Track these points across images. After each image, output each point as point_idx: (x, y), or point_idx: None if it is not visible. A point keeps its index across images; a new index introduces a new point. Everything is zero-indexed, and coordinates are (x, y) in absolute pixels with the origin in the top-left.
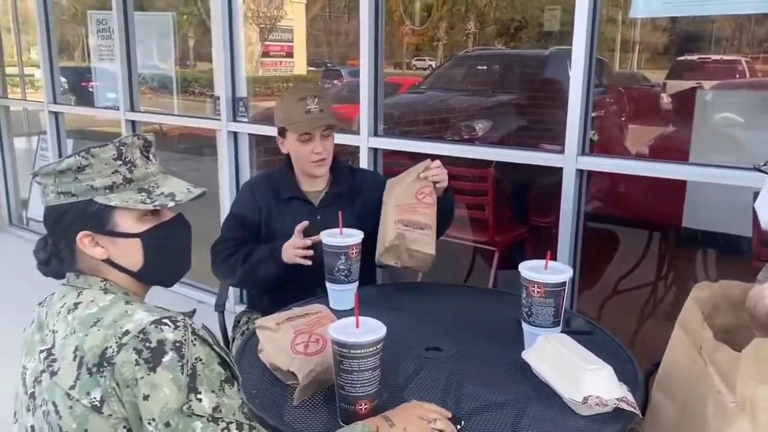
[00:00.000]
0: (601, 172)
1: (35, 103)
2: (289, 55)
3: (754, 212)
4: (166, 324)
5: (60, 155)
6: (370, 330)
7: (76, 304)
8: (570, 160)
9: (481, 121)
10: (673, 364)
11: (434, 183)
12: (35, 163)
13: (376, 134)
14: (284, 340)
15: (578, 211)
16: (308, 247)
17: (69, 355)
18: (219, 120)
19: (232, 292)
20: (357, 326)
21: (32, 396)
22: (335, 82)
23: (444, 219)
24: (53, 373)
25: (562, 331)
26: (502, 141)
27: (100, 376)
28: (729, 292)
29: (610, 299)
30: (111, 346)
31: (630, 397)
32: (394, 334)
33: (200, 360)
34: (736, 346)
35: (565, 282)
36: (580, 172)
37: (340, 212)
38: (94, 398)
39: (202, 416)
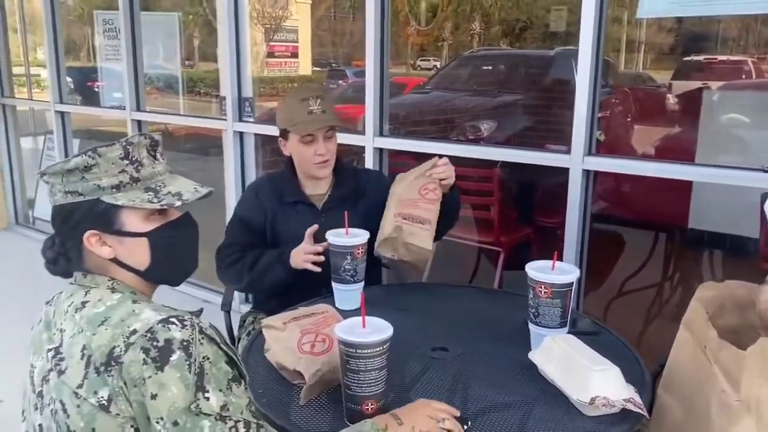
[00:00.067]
0: (606, 173)
1: (41, 102)
2: (294, 55)
3: (762, 213)
4: (173, 323)
5: (66, 155)
6: (377, 330)
7: (83, 303)
8: (576, 160)
9: (487, 122)
10: (678, 364)
11: (440, 180)
12: (41, 163)
13: (381, 134)
14: (291, 340)
15: (584, 211)
16: (318, 254)
17: (77, 354)
18: (225, 120)
19: (238, 292)
20: (363, 326)
21: (40, 394)
22: (340, 82)
23: (449, 217)
24: (61, 372)
25: (568, 332)
26: (508, 141)
27: (108, 375)
28: (735, 293)
29: (616, 300)
30: (119, 345)
31: (637, 398)
32: (400, 334)
33: (208, 359)
34: (743, 346)
35: (572, 282)
36: (587, 173)
37: (346, 212)
38: (102, 397)
39: (209, 415)
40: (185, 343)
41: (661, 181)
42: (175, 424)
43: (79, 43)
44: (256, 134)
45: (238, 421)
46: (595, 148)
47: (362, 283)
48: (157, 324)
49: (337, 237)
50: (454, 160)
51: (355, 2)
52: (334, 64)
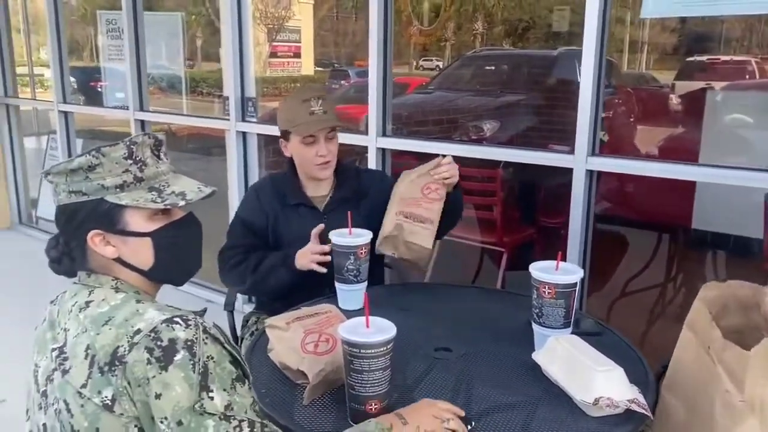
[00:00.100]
0: (609, 173)
1: (45, 102)
2: (297, 55)
3: (766, 213)
4: (177, 323)
5: (69, 155)
6: (381, 330)
7: (87, 303)
8: (580, 160)
9: (489, 122)
10: (681, 365)
11: (444, 179)
12: (45, 163)
13: (384, 134)
14: (294, 340)
15: (588, 211)
16: (325, 254)
17: (80, 353)
18: (228, 120)
19: (241, 294)
20: (367, 326)
21: (44, 394)
22: (342, 82)
23: (451, 216)
24: (65, 372)
25: (571, 333)
26: (511, 141)
27: (112, 375)
28: (739, 293)
29: (619, 301)
30: (122, 345)
31: (641, 399)
32: (403, 335)
33: (212, 358)
34: (747, 347)
35: (576, 283)
36: (590, 173)
37: (349, 212)
38: (106, 397)
39: (214, 414)
40: (189, 343)
41: (664, 181)
42: (180, 423)
43: (82, 43)
44: (259, 134)
45: (243, 420)
46: (598, 148)
47: (365, 283)
48: (161, 324)
49: (341, 237)
50: (457, 161)
51: (358, 2)
52: (336, 64)
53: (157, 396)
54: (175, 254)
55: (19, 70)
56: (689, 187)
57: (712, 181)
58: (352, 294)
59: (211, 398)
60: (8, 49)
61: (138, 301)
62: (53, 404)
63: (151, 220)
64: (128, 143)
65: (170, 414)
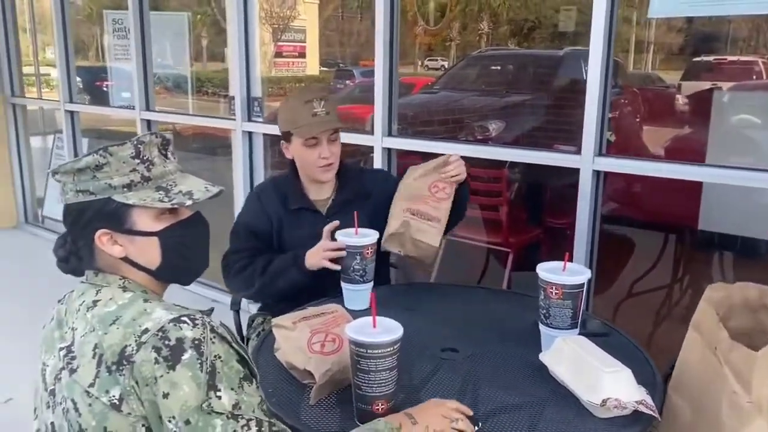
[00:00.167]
0: (615, 173)
1: (51, 102)
2: (302, 55)
3: None
4: (185, 322)
5: (75, 154)
6: (388, 330)
7: (95, 302)
8: (587, 160)
9: (495, 122)
10: (687, 366)
11: (451, 177)
12: (51, 162)
13: (390, 134)
14: (300, 339)
15: (595, 212)
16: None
17: (88, 352)
18: (234, 120)
19: (246, 299)
20: (374, 326)
21: (52, 393)
22: (347, 82)
23: (457, 212)
24: (72, 371)
25: (579, 333)
26: (516, 142)
27: (119, 375)
28: (746, 294)
29: (626, 302)
30: (130, 345)
31: (649, 400)
32: (410, 335)
33: (219, 357)
34: (755, 349)
35: (583, 284)
36: (597, 173)
37: (356, 212)
38: (113, 396)
39: (221, 413)
40: (197, 342)
41: (671, 182)
42: (187, 422)
43: (87, 43)
44: (264, 134)
45: (250, 419)
46: (605, 148)
47: (371, 283)
48: (169, 323)
49: (347, 237)
50: (462, 161)
51: (363, 2)
52: (341, 64)
53: (165, 395)
54: (182, 254)
55: (26, 69)
56: (696, 187)
57: (719, 182)
58: (358, 294)
59: (219, 397)
60: (15, 49)
61: (145, 301)
62: (61, 403)
63: (158, 220)
64: (136, 142)
65: (178, 413)
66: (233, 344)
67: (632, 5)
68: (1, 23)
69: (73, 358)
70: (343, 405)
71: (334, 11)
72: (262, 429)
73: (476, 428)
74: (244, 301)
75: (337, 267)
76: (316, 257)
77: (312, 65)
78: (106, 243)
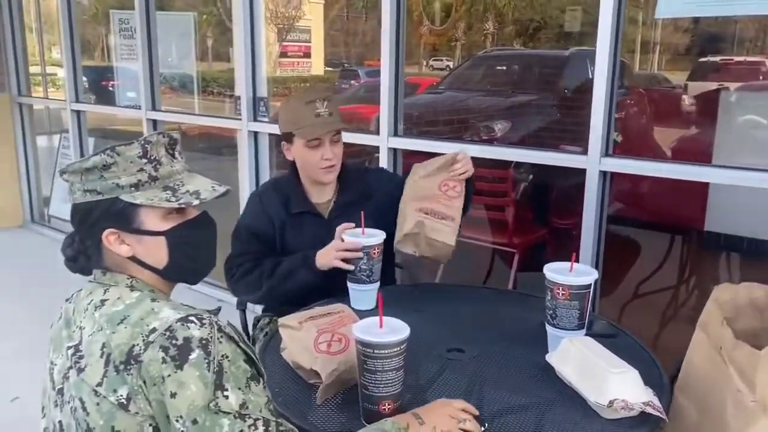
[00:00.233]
0: (621, 174)
1: (57, 101)
2: (307, 55)
3: None
4: (192, 321)
5: (82, 153)
6: (394, 330)
7: (102, 301)
8: (593, 161)
9: (500, 122)
10: (694, 366)
11: (460, 174)
12: (57, 161)
13: (396, 134)
14: (307, 339)
15: (601, 213)
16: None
17: (96, 352)
18: (240, 120)
19: (252, 303)
20: (381, 326)
21: (60, 392)
22: (352, 82)
23: (463, 207)
24: (80, 370)
25: (585, 334)
26: (522, 142)
27: (127, 374)
28: (753, 295)
29: (631, 303)
30: (138, 344)
31: (656, 402)
32: (416, 335)
33: (226, 357)
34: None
35: (590, 284)
36: (604, 174)
37: (362, 212)
38: (121, 396)
39: (228, 413)
40: (204, 342)
41: (677, 182)
42: (195, 422)
43: (93, 43)
44: (270, 134)
45: (257, 419)
46: (612, 149)
47: (378, 283)
48: (176, 322)
49: (354, 237)
50: None
51: (368, 2)
52: (346, 64)
53: (173, 395)
54: (189, 253)
55: (32, 69)
56: (702, 188)
57: (725, 183)
58: (364, 294)
59: (226, 397)
60: (21, 49)
61: (153, 300)
62: (69, 402)
63: (165, 219)
64: (143, 142)
65: (185, 413)
66: (240, 344)
67: (638, 5)
68: (7, 23)
69: (81, 357)
70: (350, 405)
71: (339, 11)
72: (269, 429)
73: (483, 429)
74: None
75: (351, 267)
76: (328, 257)
77: (317, 65)
78: (114, 242)
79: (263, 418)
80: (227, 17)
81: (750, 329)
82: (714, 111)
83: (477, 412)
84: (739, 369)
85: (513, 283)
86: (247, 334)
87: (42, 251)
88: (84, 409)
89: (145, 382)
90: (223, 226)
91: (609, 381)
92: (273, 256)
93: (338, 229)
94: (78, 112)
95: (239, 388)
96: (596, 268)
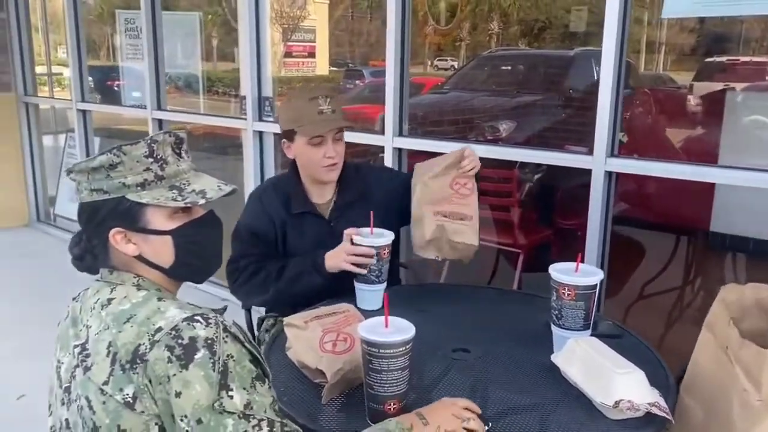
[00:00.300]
0: (626, 174)
1: (63, 101)
2: (312, 55)
3: None
4: (198, 321)
5: (87, 153)
6: (400, 330)
7: (109, 300)
8: (599, 161)
9: (505, 122)
10: (700, 366)
11: (468, 170)
12: (63, 161)
13: (401, 134)
14: (312, 338)
15: (607, 213)
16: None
17: (102, 350)
18: (245, 119)
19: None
20: (386, 326)
21: (67, 390)
22: (357, 82)
23: None
24: (87, 369)
25: (591, 335)
26: (527, 142)
27: (133, 373)
28: (759, 296)
29: (637, 303)
30: (144, 343)
31: (662, 402)
32: (421, 335)
33: (232, 357)
34: None
35: (596, 285)
36: (609, 174)
37: (371, 212)
38: (127, 394)
39: (233, 413)
40: (209, 341)
41: (683, 183)
42: (199, 422)
43: (99, 42)
44: (275, 134)
45: (262, 419)
46: (617, 149)
47: (385, 283)
48: (182, 322)
49: (364, 237)
50: None
51: (373, 2)
52: (351, 64)
53: (178, 394)
54: (196, 252)
55: (38, 69)
56: (708, 189)
57: (732, 183)
58: (372, 294)
59: (231, 397)
60: (28, 48)
61: (159, 299)
62: (75, 400)
63: (171, 219)
64: (149, 141)
65: (190, 412)
66: (246, 344)
67: (644, 5)
68: (14, 23)
69: (88, 355)
70: (355, 404)
71: (344, 11)
72: (274, 429)
73: (486, 428)
74: None
75: (363, 270)
76: (337, 260)
77: (321, 65)
78: (120, 241)
79: (268, 418)
80: (232, 17)
81: (756, 330)
82: (720, 111)
83: (480, 411)
84: (746, 368)
85: (518, 283)
86: (253, 333)
87: (48, 250)
88: (90, 407)
89: (150, 381)
90: (229, 226)
91: (615, 381)
92: (275, 257)
93: (346, 232)
94: (84, 112)
95: (244, 388)
96: (602, 268)
